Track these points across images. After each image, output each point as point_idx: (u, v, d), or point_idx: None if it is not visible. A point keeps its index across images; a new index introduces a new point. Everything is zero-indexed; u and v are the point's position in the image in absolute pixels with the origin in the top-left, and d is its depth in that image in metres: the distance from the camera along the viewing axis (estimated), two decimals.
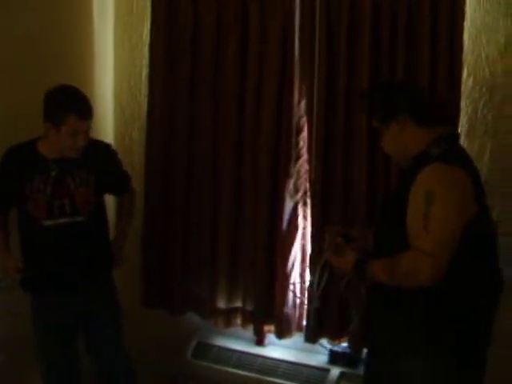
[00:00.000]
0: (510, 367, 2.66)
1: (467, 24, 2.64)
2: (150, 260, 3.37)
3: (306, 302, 3.06)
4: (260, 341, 3.23)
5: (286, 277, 3.07)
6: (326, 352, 3.07)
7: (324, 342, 3.07)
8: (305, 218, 3.08)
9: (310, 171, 2.99)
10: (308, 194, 3.04)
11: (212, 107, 3.13)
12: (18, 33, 2.85)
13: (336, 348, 3.06)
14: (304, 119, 2.97)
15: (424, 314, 2.07)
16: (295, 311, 3.12)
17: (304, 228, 3.08)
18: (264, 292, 3.11)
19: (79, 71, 3.20)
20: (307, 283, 2.99)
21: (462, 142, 2.69)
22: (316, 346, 3.09)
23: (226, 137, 3.12)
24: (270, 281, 3.10)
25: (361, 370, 2.90)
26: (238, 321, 3.26)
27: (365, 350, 2.90)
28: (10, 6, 2.82)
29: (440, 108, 2.28)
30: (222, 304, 3.24)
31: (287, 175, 3.01)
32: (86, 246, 2.71)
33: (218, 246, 3.20)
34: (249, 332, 3.23)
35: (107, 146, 2.91)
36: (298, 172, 3.03)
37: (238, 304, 3.23)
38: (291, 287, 3.07)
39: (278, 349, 3.20)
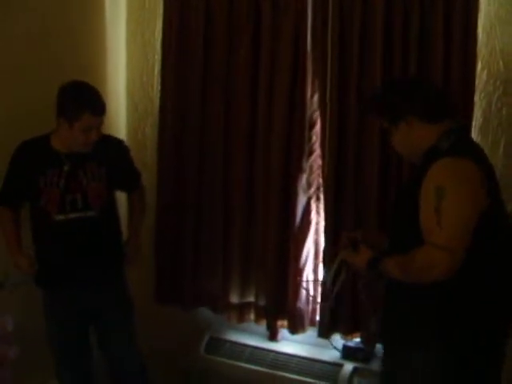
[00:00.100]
0: None
1: (481, 17, 2.62)
2: (162, 256, 3.37)
3: (319, 298, 3.06)
4: (273, 336, 3.22)
5: (299, 272, 3.06)
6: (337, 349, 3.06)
7: (337, 337, 3.06)
8: (318, 213, 3.07)
9: (322, 166, 2.98)
10: (321, 189, 3.03)
11: (224, 103, 3.12)
12: (32, 29, 2.86)
13: (349, 343, 3.05)
14: (317, 114, 2.96)
15: (436, 310, 2.07)
16: (308, 306, 3.11)
17: (317, 223, 3.08)
18: (277, 287, 3.11)
19: (92, 67, 3.21)
20: (321, 280, 3.00)
21: (476, 135, 2.68)
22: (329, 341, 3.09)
23: (238, 133, 3.12)
24: (282, 276, 3.10)
25: (374, 366, 2.91)
26: (251, 316, 3.26)
27: (378, 346, 2.92)
28: (25, 1, 2.84)
29: (445, 101, 2.25)
30: (234, 299, 3.24)
31: (300, 170, 3.00)
32: (97, 240, 2.71)
33: (231, 241, 3.20)
34: (261, 327, 3.23)
35: (120, 141, 2.92)
36: (311, 167, 3.02)
37: (251, 299, 3.23)
38: (304, 283, 3.06)
39: (290, 344, 3.20)
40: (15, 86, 2.81)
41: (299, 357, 3.11)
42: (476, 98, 2.68)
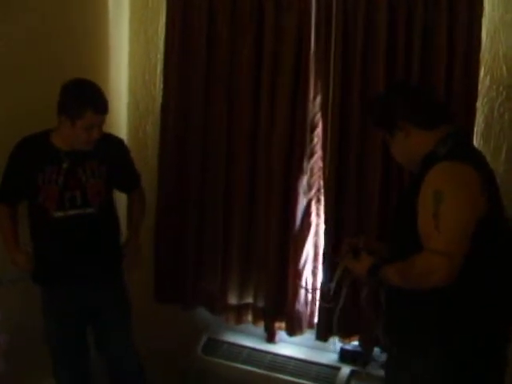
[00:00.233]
0: None
1: (485, 22, 2.61)
2: (162, 255, 3.37)
3: (317, 300, 3.05)
4: (271, 337, 3.22)
5: (298, 274, 3.06)
6: (336, 350, 3.06)
7: (335, 340, 3.06)
8: (318, 215, 3.07)
9: (323, 168, 2.98)
10: (321, 191, 3.03)
11: (226, 103, 3.12)
12: (33, 28, 2.85)
13: (347, 346, 3.04)
14: (319, 115, 2.96)
15: (436, 316, 2.06)
16: (306, 308, 3.11)
17: (317, 225, 3.07)
18: (276, 289, 3.11)
19: (94, 65, 3.20)
20: (319, 285, 2.99)
21: (478, 141, 2.68)
22: (327, 344, 3.09)
23: (241, 132, 3.11)
24: (281, 277, 3.09)
25: (371, 369, 2.91)
26: (249, 317, 3.25)
27: (375, 349, 2.91)
28: (26, 1, 2.83)
29: (440, 106, 2.26)
30: (233, 300, 3.24)
31: (301, 172, 3.00)
32: (95, 238, 2.71)
33: (231, 242, 3.19)
34: (259, 328, 3.23)
35: (120, 141, 2.92)
36: (312, 169, 3.02)
37: (250, 300, 3.23)
38: (303, 285, 3.06)
39: (288, 346, 3.19)
40: (16, 86, 2.79)
41: (297, 359, 3.10)
42: (478, 104, 2.67)
